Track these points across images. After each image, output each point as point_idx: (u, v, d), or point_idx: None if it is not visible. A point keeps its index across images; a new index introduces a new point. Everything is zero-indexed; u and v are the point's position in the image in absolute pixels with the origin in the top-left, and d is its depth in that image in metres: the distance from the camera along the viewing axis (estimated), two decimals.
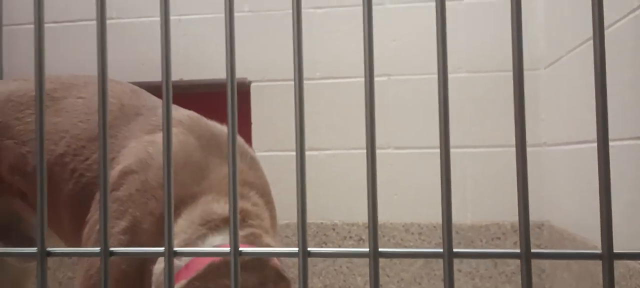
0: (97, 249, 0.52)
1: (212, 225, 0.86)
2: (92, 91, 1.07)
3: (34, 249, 0.54)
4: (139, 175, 0.91)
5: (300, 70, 0.45)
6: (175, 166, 0.91)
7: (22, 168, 1.01)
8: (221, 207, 0.88)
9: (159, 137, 0.96)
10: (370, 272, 0.44)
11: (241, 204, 0.90)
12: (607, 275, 0.39)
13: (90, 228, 0.92)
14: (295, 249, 0.47)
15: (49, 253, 0.53)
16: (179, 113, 1.01)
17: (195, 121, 0.99)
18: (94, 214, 0.93)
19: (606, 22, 1.34)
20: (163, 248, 0.49)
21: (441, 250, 0.43)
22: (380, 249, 0.45)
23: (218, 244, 0.85)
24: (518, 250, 0.41)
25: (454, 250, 0.43)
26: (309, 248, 0.46)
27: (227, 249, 0.48)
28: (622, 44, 1.26)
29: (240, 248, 0.48)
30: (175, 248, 0.49)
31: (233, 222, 0.47)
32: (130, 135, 0.98)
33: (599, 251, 0.40)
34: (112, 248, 0.51)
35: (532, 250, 0.41)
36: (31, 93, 1.06)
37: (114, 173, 0.92)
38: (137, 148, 0.94)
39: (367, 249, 0.44)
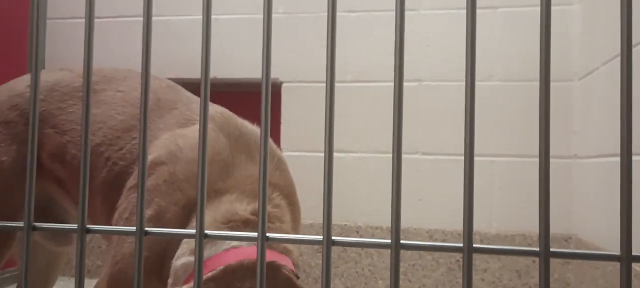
0: (132, 228, 0.55)
1: (233, 225, 0.87)
2: (131, 85, 1.11)
3: (74, 225, 0.57)
4: (167, 167, 0.93)
5: (332, 73, 0.47)
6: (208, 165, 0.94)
7: (61, 156, 1.05)
8: (243, 208, 0.89)
9: (191, 130, 0.99)
10: (391, 262, 0.45)
11: None
12: (625, 277, 0.40)
13: (119, 214, 0.95)
14: (320, 237, 0.48)
15: (89, 230, 0.56)
16: (212, 109, 1.04)
17: (227, 119, 1.02)
18: (123, 202, 0.96)
19: None
20: (195, 231, 0.52)
21: (461, 244, 0.44)
22: (402, 241, 0.46)
23: (235, 246, 0.86)
24: (537, 249, 0.42)
25: (474, 245, 0.44)
26: (333, 238, 0.48)
27: (255, 234, 0.50)
28: None
29: (267, 234, 0.50)
30: (206, 231, 0.52)
31: (262, 212, 0.50)
32: (164, 127, 1.01)
33: (617, 253, 0.40)
34: (147, 229, 0.54)
35: (552, 249, 0.42)
36: (75, 84, 1.10)
37: (146, 163, 0.95)
38: (169, 141, 0.97)
39: (389, 241, 0.46)
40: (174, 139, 0.97)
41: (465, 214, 0.44)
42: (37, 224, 0.58)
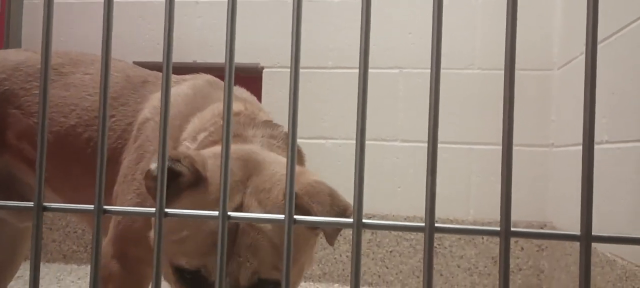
0: (90, 207, 0.53)
1: (201, 138, 0.93)
2: (98, 68, 1.15)
3: (30, 203, 0.55)
4: (152, 121, 0.99)
5: (297, 59, 0.46)
6: (185, 98, 1.01)
7: (31, 137, 1.06)
8: (203, 121, 0.96)
9: (175, 90, 1.05)
10: (353, 241, 0.44)
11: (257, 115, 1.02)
12: (584, 256, 0.40)
13: (118, 185, 0.98)
14: (282, 216, 0.48)
15: (46, 208, 0.54)
16: (187, 76, 1.12)
17: (204, 76, 1.11)
18: (119, 176, 0.99)
19: (624, 21, 1.33)
20: (154, 209, 0.51)
21: (423, 224, 0.44)
22: (364, 221, 0.45)
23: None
24: (498, 228, 0.42)
25: (436, 225, 0.43)
26: (294, 216, 0.47)
27: (216, 213, 0.49)
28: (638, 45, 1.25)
29: (229, 213, 0.49)
30: (167, 210, 0.51)
31: (223, 191, 0.49)
32: (142, 99, 1.05)
33: (577, 233, 0.40)
34: (105, 207, 0.53)
35: (512, 229, 0.42)
36: (39, 65, 1.10)
37: (134, 130, 1.01)
38: (151, 103, 1.03)
39: (352, 220, 0.45)
40: (157, 98, 1.03)
41: (427, 194, 0.43)
42: None
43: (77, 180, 1.05)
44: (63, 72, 1.10)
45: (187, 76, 1.10)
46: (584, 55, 1.62)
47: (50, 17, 0.51)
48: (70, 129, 1.04)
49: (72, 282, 1.93)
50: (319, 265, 2.04)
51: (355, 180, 0.45)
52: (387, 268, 2.00)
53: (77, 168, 1.04)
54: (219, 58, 2.16)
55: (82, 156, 1.04)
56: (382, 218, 2.01)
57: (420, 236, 1.97)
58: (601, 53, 1.48)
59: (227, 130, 0.48)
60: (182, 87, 1.04)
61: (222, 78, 1.12)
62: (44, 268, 2.09)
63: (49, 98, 1.13)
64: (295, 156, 0.48)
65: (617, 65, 1.35)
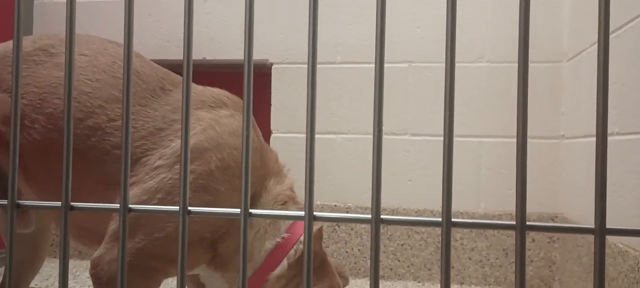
0: (116, 206, 0.55)
1: (285, 205, 1.06)
2: (94, 49, 1.09)
3: (58, 203, 0.57)
4: (214, 153, 0.98)
5: (314, 56, 0.47)
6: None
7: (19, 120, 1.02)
8: (283, 188, 1.07)
9: (217, 114, 1.04)
10: (372, 237, 0.46)
11: (286, 191, 1.11)
12: (598, 249, 0.41)
13: (145, 190, 0.95)
14: (302, 213, 0.49)
15: (72, 207, 0.56)
16: (215, 92, 1.09)
17: (236, 102, 1.10)
18: (149, 180, 0.96)
19: (635, 13, 1.32)
20: (177, 207, 0.52)
21: (440, 219, 0.45)
22: (382, 216, 0.47)
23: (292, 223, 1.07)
24: (513, 222, 0.43)
25: (453, 220, 0.45)
26: (315, 213, 0.48)
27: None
28: None
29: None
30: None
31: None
32: (173, 108, 1.03)
33: (591, 226, 0.41)
34: (131, 205, 0.54)
35: (528, 223, 0.43)
36: (26, 49, 1.08)
37: (176, 146, 0.98)
38: (205, 126, 1.01)
39: (370, 216, 0.46)
40: (209, 123, 1.01)
41: (444, 190, 0.45)
42: (22, 202, 0.58)
43: (77, 174, 1.00)
44: (53, 53, 1.07)
45: (205, 95, 1.07)
46: (593, 47, 1.62)
47: (73, 15, 0.53)
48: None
49: (88, 277, 1.96)
50: (330, 258, 2.06)
51: (372, 177, 0.46)
52: (399, 261, 2.02)
53: (75, 158, 1.00)
54: (228, 54, 2.17)
55: (78, 142, 0.99)
56: (392, 211, 2.03)
57: (431, 229, 1.98)
58: (612, 44, 1.48)
59: (247, 134, 0.50)
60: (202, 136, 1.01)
61: (232, 76, 1.11)
62: (57, 266, 2.12)
63: (38, 79, 1.09)
64: (314, 155, 0.49)
65: (628, 56, 1.35)
